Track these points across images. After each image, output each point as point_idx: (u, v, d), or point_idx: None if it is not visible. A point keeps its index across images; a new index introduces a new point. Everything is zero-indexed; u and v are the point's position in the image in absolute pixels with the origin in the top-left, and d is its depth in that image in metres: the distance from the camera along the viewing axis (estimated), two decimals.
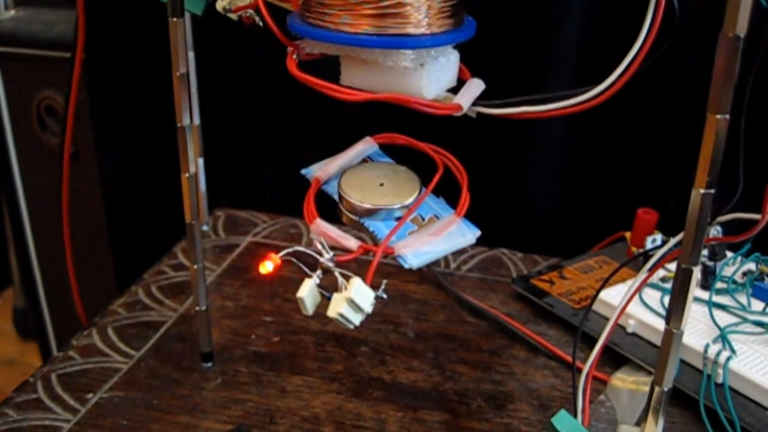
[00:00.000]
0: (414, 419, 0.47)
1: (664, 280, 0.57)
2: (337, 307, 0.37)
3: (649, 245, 0.60)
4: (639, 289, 0.45)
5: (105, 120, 0.81)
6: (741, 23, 0.30)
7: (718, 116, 0.32)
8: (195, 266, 0.49)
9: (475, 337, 0.56)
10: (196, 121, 0.63)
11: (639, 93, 0.64)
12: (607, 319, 0.46)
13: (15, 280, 1.26)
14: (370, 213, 0.41)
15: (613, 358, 0.52)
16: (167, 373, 0.51)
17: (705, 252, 0.59)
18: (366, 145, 0.44)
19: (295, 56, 0.38)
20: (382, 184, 0.42)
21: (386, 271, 0.61)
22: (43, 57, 0.87)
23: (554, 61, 0.67)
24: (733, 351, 0.49)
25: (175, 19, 0.43)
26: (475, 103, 0.38)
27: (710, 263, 0.57)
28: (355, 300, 0.37)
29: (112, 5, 0.77)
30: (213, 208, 0.73)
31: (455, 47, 0.39)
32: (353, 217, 0.41)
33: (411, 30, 0.35)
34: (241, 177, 0.80)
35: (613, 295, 0.55)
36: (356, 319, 0.38)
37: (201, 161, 0.64)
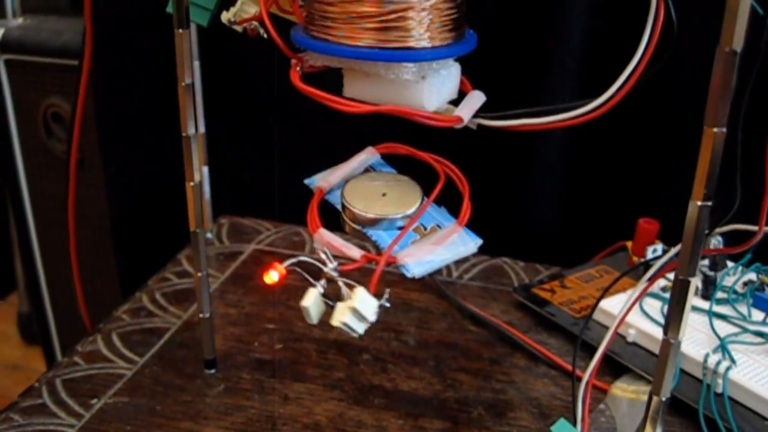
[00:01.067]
0: (415, 427, 0.48)
1: (665, 289, 0.57)
2: (341, 316, 0.38)
3: (650, 255, 0.60)
4: (638, 299, 0.46)
5: (111, 127, 0.82)
6: (737, 38, 0.30)
7: (715, 129, 0.32)
8: (199, 274, 0.49)
9: (476, 346, 0.56)
10: (201, 129, 0.64)
11: (640, 103, 0.65)
12: (607, 328, 0.46)
13: (20, 284, 1.26)
14: (373, 222, 0.42)
15: (614, 368, 0.53)
16: (171, 380, 0.52)
17: (706, 262, 0.59)
18: (368, 155, 0.45)
19: (298, 68, 0.39)
20: (384, 194, 0.42)
21: (388, 280, 0.62)
22: (50, 65, 0.87)
23: (559, 72, 0.68)
24: (732, 361, 0.49)
25: (180, 31, 0.44)
26: (475, 115, 0.38)
27: (711, 273, 0.57)
28: (359, 309, 0.38)
29: (119, 14, 0.77)
30: (217, 216, 0.74)
31: (457, 60, 0.40)
32: (356, 226, 0.42)
33: (412, 43, 0.36)
34: (246, 185, 0.81)
35: (613, 305, 0.55)
36: (360, 327, 0.38)
37: (205, 169, 0.65)
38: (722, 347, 0.51)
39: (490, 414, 0.49)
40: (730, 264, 0.59)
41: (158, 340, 0.56)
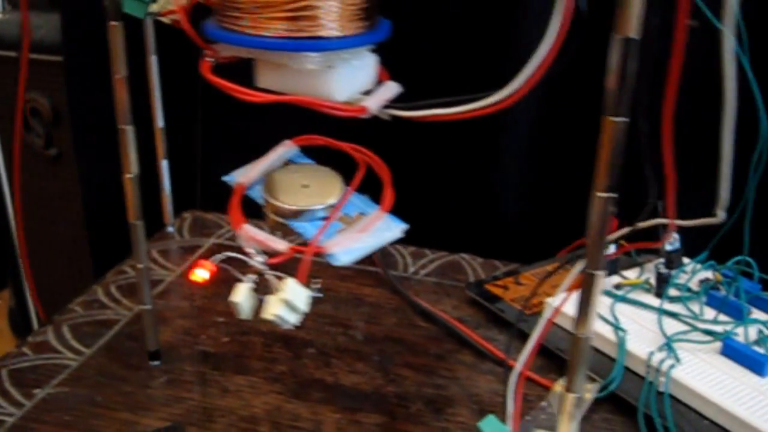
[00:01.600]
0: (351, 421, 0.48)
1: (618, 287, 0.57)
2: (272, 308, 0.38)
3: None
4: (571, 293, 0.45)
5: (85, 122, 0.82)
6: (632, 25, 0.30)
7: (615, 119, 0.32)
8: (139, 266, 0.50)
9: (423, 341, 0.56)
10: (160, 123, 0.64)
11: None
12: (556, 326, 0.45)
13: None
14: (297, 215, 0.41)
15: (561, 365, 0.52)
16: (115, 371, 0.52)
17: (662, 260, 0.58)
18: (286, 148, 0.45)
19: (209, 59, 0.39)
20: (306, 186, 0.42)
21: (342, 275, 0.62)
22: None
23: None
24: (677, 359, 0.49)
25: (113, 23, 0.44)
26: (387, 106, 0.38)
27: (665, 271, 0.57)
28: (291, 300, 0.38)
29: (92, 10, 0.78)
30: (186, 210, 0.74)
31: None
32: (279, 219, 0.42)
33: (322, 32, 0.35)
34: (213, 180, 0.81)
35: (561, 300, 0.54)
36: (293, 318, 0.38)
37: (165, 163, 0.65)
38: (668, 345, 0.50)
39: (428, 409, 0.49)
40: (686, 260, 0.59)
41: (107, 332, 0.56)
